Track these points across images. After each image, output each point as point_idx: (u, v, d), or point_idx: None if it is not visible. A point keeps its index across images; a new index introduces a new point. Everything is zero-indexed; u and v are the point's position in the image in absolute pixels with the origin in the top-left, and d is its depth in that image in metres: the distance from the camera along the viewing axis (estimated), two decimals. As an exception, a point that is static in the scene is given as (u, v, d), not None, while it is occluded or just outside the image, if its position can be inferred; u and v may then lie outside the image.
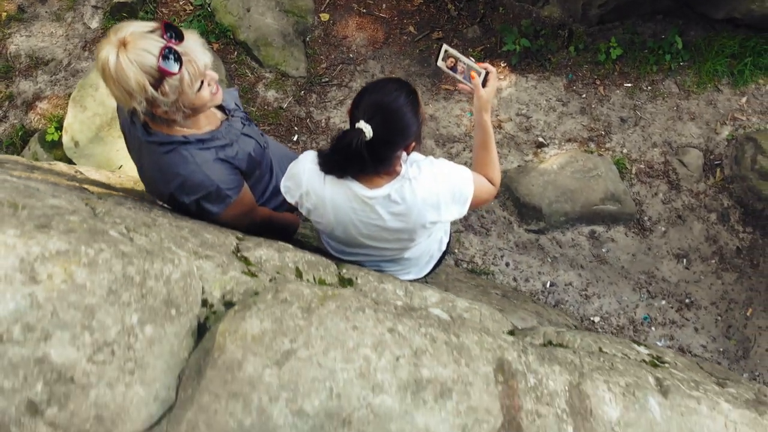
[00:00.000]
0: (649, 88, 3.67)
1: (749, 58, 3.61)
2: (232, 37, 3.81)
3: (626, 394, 1.65)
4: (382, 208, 1.85)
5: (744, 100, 3.62)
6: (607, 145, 3.57)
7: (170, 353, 1.21)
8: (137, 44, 1.54)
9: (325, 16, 3.99)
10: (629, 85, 3.69)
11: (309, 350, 1.24)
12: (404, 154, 1.81)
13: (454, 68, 2.07)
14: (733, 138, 3.50)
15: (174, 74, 1.59)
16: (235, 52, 3.90)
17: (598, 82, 3.71)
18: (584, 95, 3.69)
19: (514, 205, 3.42)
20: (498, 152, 3.52)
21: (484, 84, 2.04)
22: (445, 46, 2.05)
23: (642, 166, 3.52)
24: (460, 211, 1.94)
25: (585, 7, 3.60)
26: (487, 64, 2.04)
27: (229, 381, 1.17)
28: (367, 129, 1.63)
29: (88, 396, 1.04)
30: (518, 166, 3.54)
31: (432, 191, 1.85)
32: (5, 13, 4.26)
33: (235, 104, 2.09)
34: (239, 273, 1.46)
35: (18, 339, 0.97)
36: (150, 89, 1.58)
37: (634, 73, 3.70)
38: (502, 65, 3.78)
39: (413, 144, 1.77)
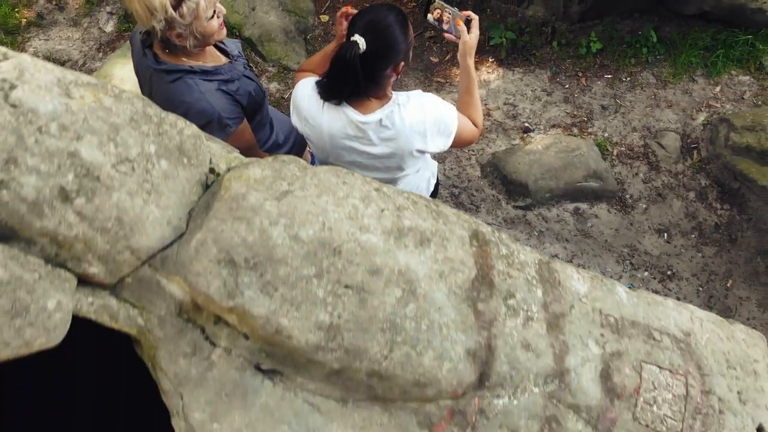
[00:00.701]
0: (628, 79, 3.91)
1: (721, 51, 3.86)
2: (237, 34, 4.08)
3: (594, 279, 1.80)
4: (374, 133, 2.04)
5: (718, 89, 3.85)
6: (590, 130, 3.78)
7: (182, 192, 1.38)
8: None
9: (324, 18, 4.27)
10: (609, 76, 3.93)
11: (304, 192, 1.41)
12: (395, 76, 2.02)
13: (440, 20, 2.28)
14: (708, 123, 3.71)
15: None
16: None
17: (580, 74, 3.95)
18: (567, 86, 3.93)
19: (501, 183, 3.61)
20: (486, 137, 3.74)
21: (468, 31, 2.25)
22: (435, 9, 2.28)
23: (623, 148, 3.73)
24: (445, 143, 2.13)
25: (566, 5, 3.87)
26: (469, 12, 2.25)
27: (234, 209, 1.34)
28: (360, 41, 1.84)
29: (111, 197, 1.21)
30: (506, 149, 3.74)
31: (419, 119, 2.04)
32: (25, 20, 4.55)
33: (238, 52, 2.31)
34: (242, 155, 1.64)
35: (54, 133, 1.15)
36: (170, 9, 1.80)
37: (613, 66, 3.95)
38: (491, 60, 4.03)
39: (402, 64, 1.98)
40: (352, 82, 1.90)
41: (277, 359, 1.39)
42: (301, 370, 1.40)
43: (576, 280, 1.72)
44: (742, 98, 3.79)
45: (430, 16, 2.28)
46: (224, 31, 2.05)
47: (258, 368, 1.40)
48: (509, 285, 1.58)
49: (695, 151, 3.70)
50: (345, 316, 1.35)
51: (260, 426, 1.36)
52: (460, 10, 2.26)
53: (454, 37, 2.25)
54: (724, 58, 3.85)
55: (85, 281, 1.27)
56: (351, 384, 1.41)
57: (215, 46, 2.14)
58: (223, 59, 2.20)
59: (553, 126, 3.80)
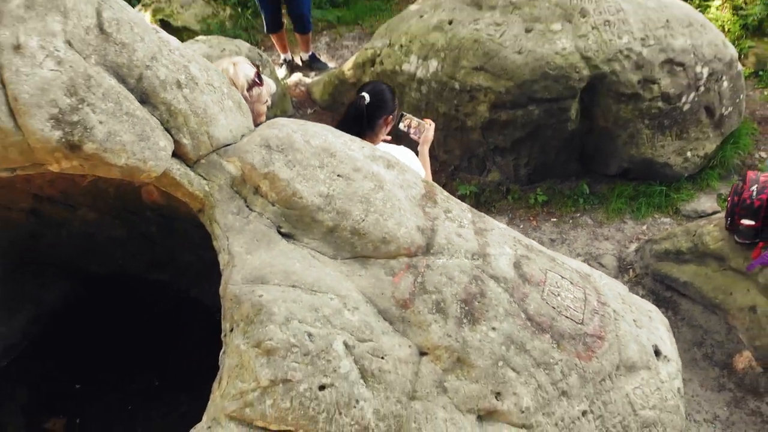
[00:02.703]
0: (571, 221, 4.86)
1: (643, 199, 4.86)
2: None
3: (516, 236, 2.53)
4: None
5: (645, 227, 4.77)
6: (543, 255, 4.60)
7: (238, 124, 2.25)
8: (244, 65, 2.86)
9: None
10: (555, 219, 4.88)
11: (314, 127, 2.27)
12: (384, 128, 2.98)
13: (408, 126, 3.32)
14: (639, 248, 4.56)
15: (260, 85, 2.87)
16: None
17: (531, 219, 4.91)
18: (521, 227, 4.85)
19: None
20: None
21: (425, 132, 3.26)
22: (403, 114, 3.34)
23: (571, 268, 4.51)
24: None
25: (516, 171, 4.98)
26: (428, 119, 3.30)
27: (270, 125, 2.20)
28: (366, 96, 2.86)
29: (203, 96, 2.09)
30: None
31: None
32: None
33: None
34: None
35: (178, 54, 2.07)
36: (245, 89, 2.84)
37: (558, 212, 4.92)
38: (460, 211, 5.02)
39: (390, 117, 2.96)
40: (359, 123, 2.85)
41: (291, 222, 2.12)
42: (307, 230, 2.12)
43: (498, 223, 2.47)
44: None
45: (402, 125, 3.31)
46: (265, 117, 3.07)
47: (278, 231, 2.12)
48: (448, 205, 2.35)
49: (631, 270, 4.48)
50: (337, 191, 2.12)
51: (278, 259, 2.04)
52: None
53: (418, 138, 3.27)
54: (646, 205, 4.84)
55: (176, 154, 2.07)
56: (340, 243, 2.12)
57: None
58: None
59: (513, 253, 4.62)
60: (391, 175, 2.27)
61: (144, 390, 2.41)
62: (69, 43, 1.85)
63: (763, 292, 3.58)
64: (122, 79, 1.94)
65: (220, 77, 2.21)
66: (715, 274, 3.86)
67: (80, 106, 1.82)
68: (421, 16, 4.91)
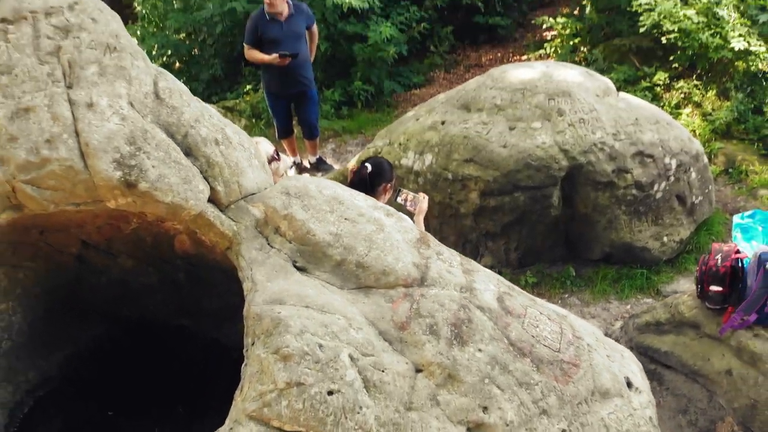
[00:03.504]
0: (559, 301, 5.18)
1: (626, 281, 5.21)
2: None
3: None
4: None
5: (629, 306, 5.09)
6: (534, 332, 4.88)
7: (264, 178, 2.69)
8: (264, 143, 3.37)
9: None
10: (544, 299, 5.20)
11: (326, 182, 2.71)
12: (383, 194, 3.42)
13: (405, 200, 3.77)
14: (624, 325, 4.86)
15: (278, 160, 3.36)
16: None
17: (523, 299, 5.23)
18: (514, 307, 5.17)
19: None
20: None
21: (420, 204, 3.71)
22: (399, 189, 3.80)
23: (560, 343, 4.78)
24: None
25: (507, 255, 5.37)
26: (422, 193, 3.76)
27: (289, 178, 2.63)
28: (368, 166, 3.33)
29: (235, 153, 2.53)
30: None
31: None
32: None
33: None
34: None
35: (215, 121, 2.54)
36: (266, 163, 3.33)
37: (547, 293, 5.25)
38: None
39: (389, 186, 3.41)
40: (362, 189, 3.30)
41: (305, 258, 2.49)
42: (318, 264, 2.49)
43: (484, 268, 2.84)
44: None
45: (399, 198, 3.76)
46: None
47: (294, 265, 2.49)
48: (439, 249, 2.72)
49: (617, 345, 4.75)
50: (344, 231, 2.51)
51: (294, 286, 2.40)
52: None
53: (413, 210, 3.70)
54: (629, 287, 5.18)
55: (210, 200, 2.48)
56: (346, 275, 2.48)
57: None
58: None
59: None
60: (390, 221, 2.66)
61: (170, 416, 2.68)
62: (131, 104, 2.32)
63: (737, 355, 3.85)
64: (171, 135, 2.38)
65: (249, 141, 2.67)
66: (693, 342, 4.14)
67: (137, 153, 2.26)
68: (417, 119, 5.50)
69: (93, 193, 2.26)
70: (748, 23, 6.85)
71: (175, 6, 9.54)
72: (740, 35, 6.56)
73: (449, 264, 2.67)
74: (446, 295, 2.49)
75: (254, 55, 5.90)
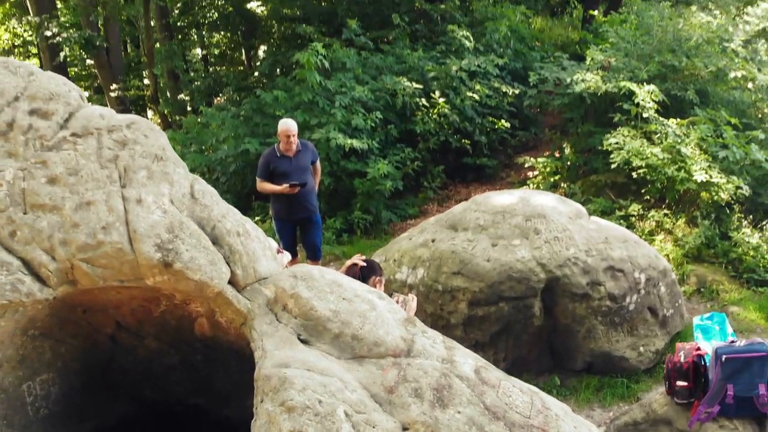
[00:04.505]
0: (546, 409, 5.44)
1: (608, 390, 5.51)
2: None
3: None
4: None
5: (611, 413, 5.35)
6: None
7: (275, 266, 3.20)
8: (269, 240, 3.91)
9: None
10: (533, 408, 5.46)
11: (326, 268, 3.21)
12: (375, 286, 3.90)
13: (396, 302, 4.25)
14: (607, 429, 5.11)
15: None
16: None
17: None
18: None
19: None
20: None
21: (410, 303, 4.19)
22: (393, 291, 4.30)
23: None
24: None
25: (495, 364, 5.69)
26: (412, 294, 4.25)
27: (295, 268, 3.14)
28: (360, 263, 3.84)
29: (252, 243, 3.06)
30: None
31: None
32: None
33: None
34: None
35: (234, 218, 3.09)
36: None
37: (535, 402, 5.52)
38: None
39: (378, 279, 3.90)
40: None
41: (308, 331, 2.93)
42: (319, 337, 2.92)
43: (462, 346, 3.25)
44: (630, 419, 5.24)
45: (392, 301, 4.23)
46: None
47: (299, 338, 2.93)
48: (424, 328, 3.16)
49: (603, 447, 4.97)
50: (342, 308, 2.97)
51: (298, 354, 2.82)
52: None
53: (404, 310, 4.17)
54: (611, 395, 5.46)
55: (230, 282, 2.97)
56: (343, 346, 2.91)
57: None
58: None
59: None
60: (382, 303, 3.13)
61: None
62: (172, 201, 2.87)
63: (707, 448, 4.12)
64: (202, 227, 2.92)
65: (264, 236, 3.20)
66: (668, 439, 4.41)
67: (174, 239, 2.78)
68: (410, 238, 6.08)
69: (136, 271, 2.75)
70: (710, 159, 7.63)
71: (192, 148, 10.50)
72: (702, 169, 7.31)
73: (432, 340, 3.09)
74: (429, 365, 2.90)
75: (266, 186, 6.58)
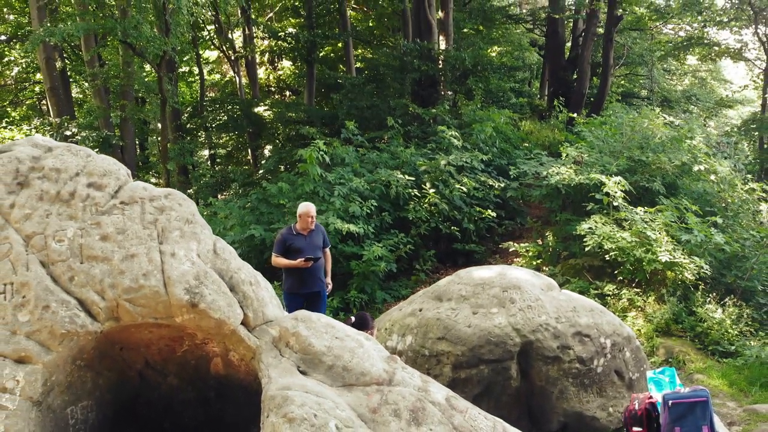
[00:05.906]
0: (525, 467, 5.87)
1: (582, 449, 5.96)
2: None
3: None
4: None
5: (585, 471, 5.78)
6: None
7: (281, 313, 3.86)
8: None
9: None
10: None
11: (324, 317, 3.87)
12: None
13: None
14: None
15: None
16: None
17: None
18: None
19: None
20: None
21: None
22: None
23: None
24: None
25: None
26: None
27: (298, 313, 3.80)
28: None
29: (261, 291, 3.74)
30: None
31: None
32: None
33: None
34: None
35: (246, 272, 3.78)
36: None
37: (515, 461, 5.95)
38: None
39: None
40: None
41: (306, 364, 3.55)
42: (315, 369, 3.54)
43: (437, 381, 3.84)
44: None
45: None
46: None
47: (298, 369, 3.54)
48: (404, 365, 3.76)
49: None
50: (334, 345, 3.60)
51: (298, 381, 3.44)
52: None
53: None
54: (586, 455, 5.91)
55: (242, 323, 3.61)
56: (335, 376, 3.52)
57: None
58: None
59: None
60: (368, 343, 3.75)
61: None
62: (198, 255, 3.57)
63: (663, 489, 4.59)
64: (222, 276, 3.60)
65: (271, 287, 3.87)
66: (630, 483, 4.87)
67: (200, 285, 3.45)
68: (400, 309, 6.70)
69: (168, 310, 3.41)
70: (674, 242, 8.37)
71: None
72: (666, 250, 8.03)
73: (410, 374, 3.70)
74: (407, 391, 3.50)
75: (281, 261, 7.21)
